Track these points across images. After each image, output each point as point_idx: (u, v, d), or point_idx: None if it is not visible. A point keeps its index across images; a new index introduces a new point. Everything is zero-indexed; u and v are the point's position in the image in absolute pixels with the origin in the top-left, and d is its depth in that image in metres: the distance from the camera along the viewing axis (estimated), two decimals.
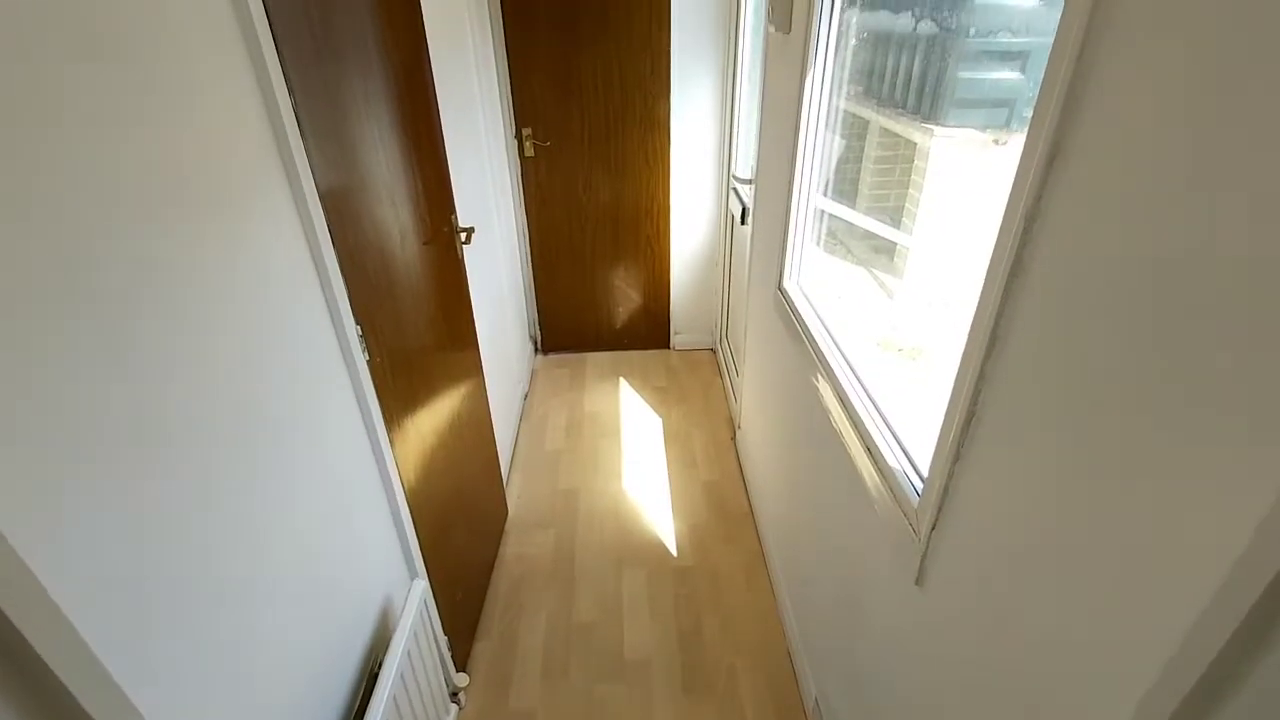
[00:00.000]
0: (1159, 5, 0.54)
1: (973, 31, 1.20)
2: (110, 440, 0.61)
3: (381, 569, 1.29)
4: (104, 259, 0.62)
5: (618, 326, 3.45)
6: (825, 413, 1.48)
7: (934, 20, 1.26)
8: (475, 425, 2.00)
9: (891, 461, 1.14)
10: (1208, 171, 0.49)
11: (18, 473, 0.52)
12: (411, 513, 1.42)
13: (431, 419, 1.59)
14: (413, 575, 1.45)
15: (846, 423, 1.34)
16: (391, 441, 1.31)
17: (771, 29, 1.81)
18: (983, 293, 0.80)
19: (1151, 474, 0.55)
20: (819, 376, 1.53)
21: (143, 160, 0.67)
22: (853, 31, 1.52)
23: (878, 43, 1.54)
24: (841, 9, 1.45)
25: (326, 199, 1.05)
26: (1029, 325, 0.72)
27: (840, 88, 1.59)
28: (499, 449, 2.37)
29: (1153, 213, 0.55)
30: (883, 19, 1.44)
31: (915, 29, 1.34)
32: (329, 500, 1.07)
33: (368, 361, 1.19)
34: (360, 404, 1.19)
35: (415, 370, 1.49)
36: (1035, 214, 0.70)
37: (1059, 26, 0.66)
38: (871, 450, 1.21)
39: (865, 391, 1.34)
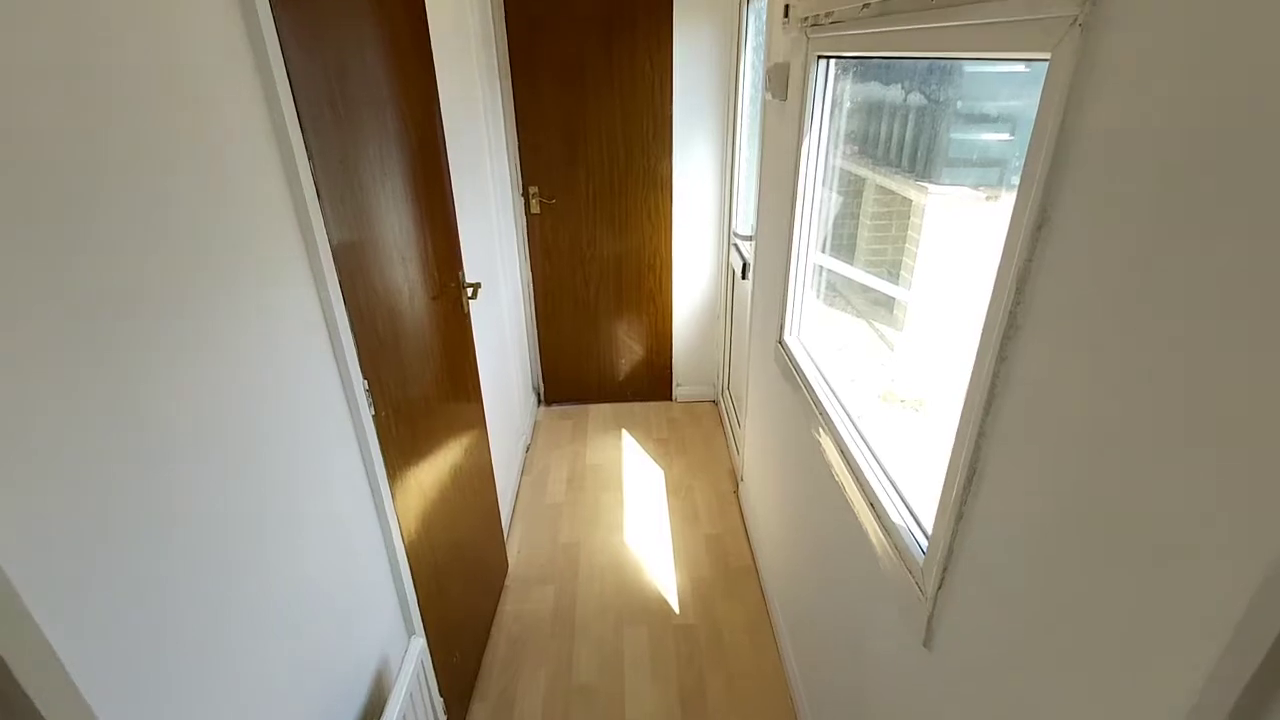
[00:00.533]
0: (1136, 80, 0.57)
1: (959, 105, 1.26)
2: (115, 486, 0.62)
3: (379, 625, 1.27)
4: (127, 311, 0.64)
5: (620, 378, 3.47)
6: (827, 466, 1.48)
7: (922, 93, 1.32)
8: (477, 478, 2.00)
9: (895, 518, 1.14)
10: (1191, 228, 0.52)
11: (25, 512, 0.52)
12: (411, 567, 1.40)
13: (433, 472, 1.59)
14: (410, 632, 1.42)
15: (849, 477, 1.34)
16: (393, 494, 1.31)
17: (769, 96, 1.89)
18: (979, 351, 0.82)
19: (1153, 534, 0.56)
20: (820, 430, 1.53)
21: (168, 222, 0.70)
22: (847, 97, 1.59)
23: (871, 110, 1.61)
24: (834, 79, 1.52)
25: (339, 258, 1.09)
26: (1025, 383, 0.74)
27: (836, 146, 1.65)
28: (500, 502, 2.35)
29: (1139, 273, 0.57)
30: (874, 89, 1.51)
31: (905, 100, 1.40)
32: (330, 554, 1.06)
33: (373, 415, 1.20)
34: (364, 457, 1.19)
35: (419, 423, 1.49)
36: (1026, 275, 0.72)
37: (1040, 99, 0.70)
38: (875, 505, 1.21)
39: (867, 445, 1.34)
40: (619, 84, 2.80)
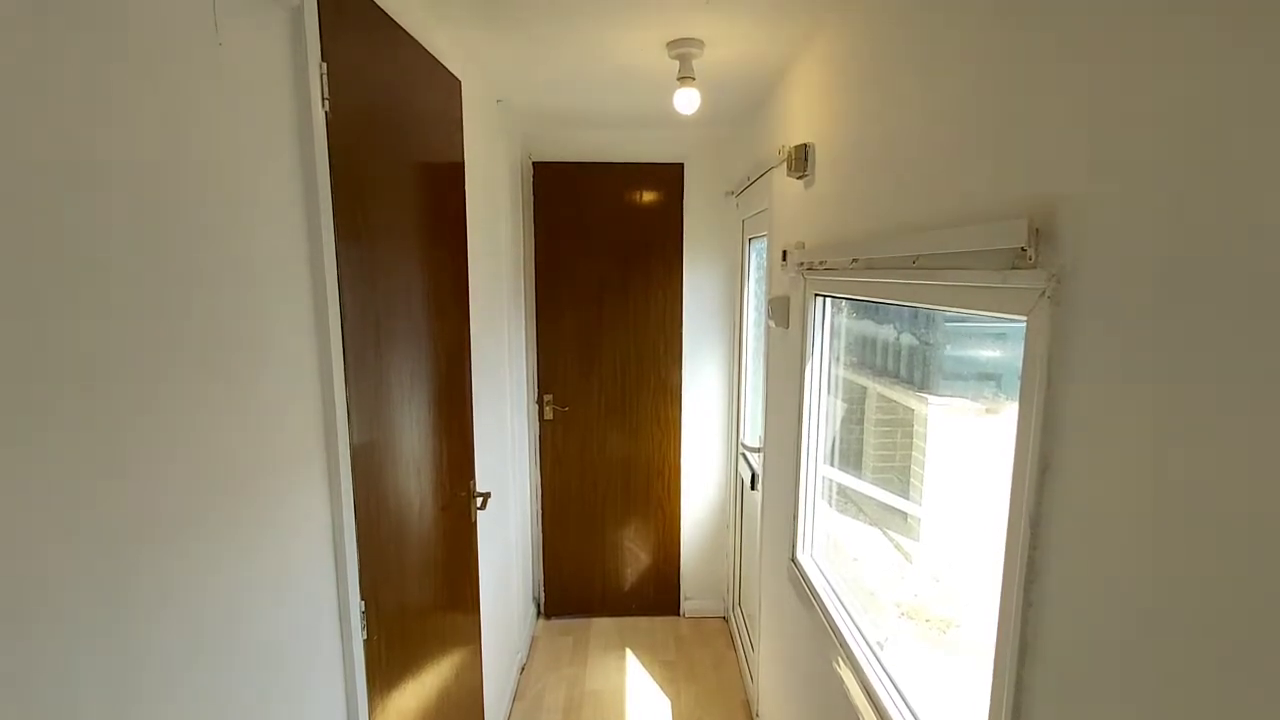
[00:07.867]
0: (1106, 344, 0.63)
1: (948, 349, 1.36)
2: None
3: None
4: (154, 523, 0.64)
5: (626, 589, 3.29)
6: (853, 710, 1.34)
7: (913, 334, 1.44)
8: (466, 699, 1.81)
9: None
10: (1188, 469, 0.53)
11: None
12: None
13: (419, 698, 1.45)
14: None
15: None
16: None
17: (771, 324, 2.05)
18: (1003, 594, 0.79)
19: None
20: (840, 661, 1.41)
21: (211, 441, 0.74)
22: (844, 326, 1.72)
23: (867, 340, 1.73)
24: (832, 312, 1.66)
25: (356, 473, 1.11)
26: (1060, 630, 0.70)
27: (838, 360, 1.74)
28: None
29: (1148, 514, 0.57)
30: (868, 326, 1.64)
31: (898, 339, 1.52)
32: None
33: (364, 641, 1.13)
34: (347, 689, 1.10)
35: (412, 643, 1.40)
36: (1039, 518, 0.73)
37: (1024, 353, 0.76)
38: None
39: (895, 687, 1.23)
40: (633, 306, 3.06)
